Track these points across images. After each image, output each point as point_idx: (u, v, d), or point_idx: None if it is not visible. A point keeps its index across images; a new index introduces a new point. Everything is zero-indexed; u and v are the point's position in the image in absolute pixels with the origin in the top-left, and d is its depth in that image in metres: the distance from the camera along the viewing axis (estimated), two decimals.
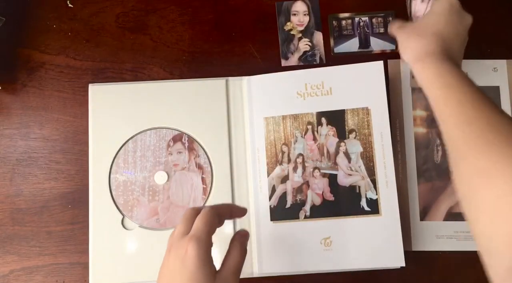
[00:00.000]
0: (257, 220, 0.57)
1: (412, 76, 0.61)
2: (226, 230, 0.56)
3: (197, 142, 0.58)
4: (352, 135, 0.58)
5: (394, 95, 0.61)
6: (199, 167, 0.58)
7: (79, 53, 0.62)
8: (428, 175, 0.59)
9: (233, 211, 0.44)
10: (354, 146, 0.57)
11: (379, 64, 0.59)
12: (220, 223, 0.41)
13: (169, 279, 0.37)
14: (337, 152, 0.58)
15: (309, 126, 0.58)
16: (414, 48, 0.48)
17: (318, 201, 0.56)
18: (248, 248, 0.56)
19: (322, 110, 0.59)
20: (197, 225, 0.38)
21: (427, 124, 0.60)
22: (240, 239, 0.42)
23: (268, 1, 0.64)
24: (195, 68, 0.62)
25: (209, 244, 0.38)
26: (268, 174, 0.57)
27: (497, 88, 0.61)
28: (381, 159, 0.57)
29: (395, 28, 0.53)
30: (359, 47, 0.63)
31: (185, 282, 0.36)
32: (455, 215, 0.58)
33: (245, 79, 0.60)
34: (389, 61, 0.61)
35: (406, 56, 0.50)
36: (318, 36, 0.63)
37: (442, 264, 0.57)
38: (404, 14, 0.63)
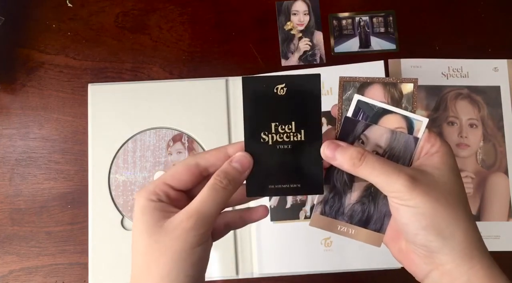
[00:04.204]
0: None
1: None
2: None
3: (197, 142, 0.58)
4: None
5: None
6: None
7: (79, 53, 0.62)
8: None
9: (223, 153, 0.34)
10: None
11: (380, 64, 0.58)
12: (199, 171, 0.34)
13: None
14: None
15: None
16: (462, 236, 0.31)
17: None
18: (248, 248, 0.57)
19: (323, 110, 0.58)
20: None
21: (428, 124, 0.60)
22: (217, 172, 0.33)
23: (268, 1, 0.63)
24: (195, 68, 0.61)
25: (153, 191, 0.33)
26: None
27: (497, 88, 0.60)
28: None
29: (402, 180, 0.31)
30: (360, 47, 0.62)
31: (133, 237, 0.33)
32: None
33: None
34: (389, 61, 0.61)
35: (445, 247, 0.31)
36: (318, 36, 0.63)
37: None
38: (404, 13, 0.63)
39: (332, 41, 0.63)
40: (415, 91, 0.35)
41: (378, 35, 0.63)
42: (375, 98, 0.34)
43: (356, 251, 0.55)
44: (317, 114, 0.34)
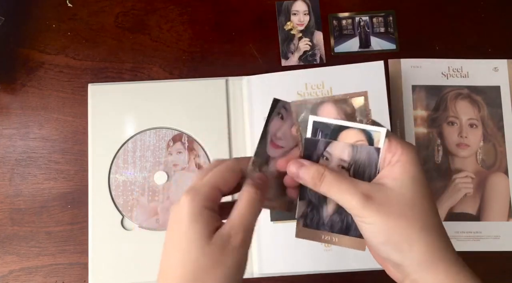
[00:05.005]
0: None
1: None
2: None
3: (197, 142, 0.58)
4: None
5: (395, 95, 0.60)
6: (199, 167, 0.58)
7: (79, 53, 0.62)
8: (428, 175, 0.59)
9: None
10: None
11: (380, 64, 0.58)
12: (239, 178, 0.35)
13: (167, 238, 0.33)
14: None
15: None
16: (422, 247, 0.31)
17: None
18: None
19: None
20: (204, 176, 0.33)
21: (428, 124, 0.60)
22: (249, 186, 0.33)
23: (268, 1, 0.63)
24: (195, 68, 0.61)
25: (208, 197, 0.32)
26: None
27: (497, 88, 0.60)
28: None
29: (356, 198, 0.32)
30: (360, 47, 0.62)
31: (177, 241, 0.31)
32: (456, 215, 0.58)
33: (245, 79, 0.60)
34: (389, 61, 0.61)
35: (405, 260, 0.31)
36: (318, 36, 0.63)
37: None
38: (404, 13, 0.63)
39: (332, 41, 0.63)
40: (366, 104, 0.35)
41: (378, 35, 0.63)
42: (329, 116, 0.35)
43: (356, 251, 0.55)
44: (262, 138, 0.36)
